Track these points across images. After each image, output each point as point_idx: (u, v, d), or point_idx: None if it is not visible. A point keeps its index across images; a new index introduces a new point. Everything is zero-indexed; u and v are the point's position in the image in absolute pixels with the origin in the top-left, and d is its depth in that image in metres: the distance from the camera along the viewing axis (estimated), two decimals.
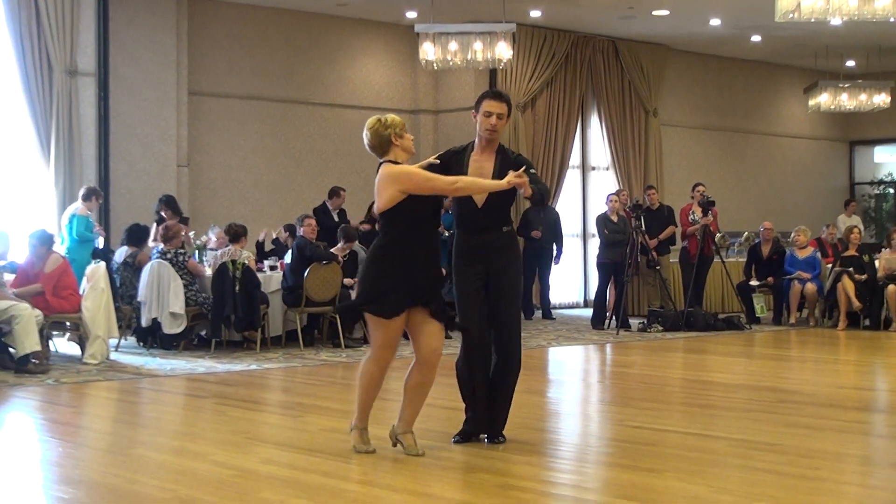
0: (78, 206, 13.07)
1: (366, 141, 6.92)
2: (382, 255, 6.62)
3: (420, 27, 15.23)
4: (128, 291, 12.73)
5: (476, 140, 7.24)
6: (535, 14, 17.43)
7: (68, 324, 11.67)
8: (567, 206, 18.85)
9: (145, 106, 15.32)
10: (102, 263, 11.91)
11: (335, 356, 12.14)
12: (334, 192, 15.51)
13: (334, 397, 9.74)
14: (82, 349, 11.52)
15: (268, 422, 8.53)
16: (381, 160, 6.80)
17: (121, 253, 13.03)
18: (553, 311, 17.14)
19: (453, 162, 7.07)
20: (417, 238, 6.59)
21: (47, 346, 11.36)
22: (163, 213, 13.77)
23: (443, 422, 8.18)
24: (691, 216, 15.98)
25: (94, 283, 11.47)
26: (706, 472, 6.22)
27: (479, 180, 6.84)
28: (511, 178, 6.60)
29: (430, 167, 6.87)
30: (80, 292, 11.49)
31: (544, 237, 16.66)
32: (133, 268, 12.78)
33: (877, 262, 15.58)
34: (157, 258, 12.38)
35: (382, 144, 6.77)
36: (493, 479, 6.09)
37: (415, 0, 16.18)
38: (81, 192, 13.26)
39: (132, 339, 12.92)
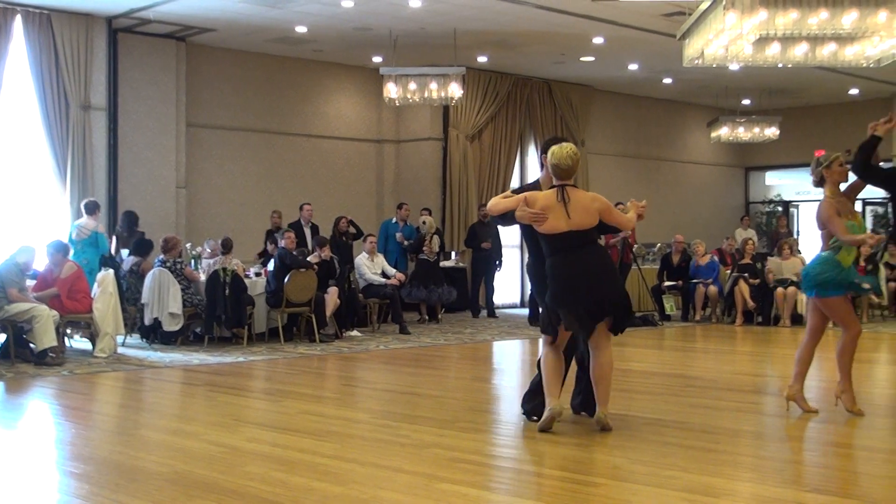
0: (84, 219, 12.86)
1: (567, 163, 6.67)
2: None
3: (384, 70, 15.23)
4: (133, 295, 12.64)
5: (544, 177, 7.03)
6: (482, 59, 17.48)
7: (81, 322, 11.55)
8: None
9: (149, 136, 15.21)
10: (111, 271, 11.83)
11: (311, 350, 12.07)
12: (300, 208, 15.48)
13: (309, 384, 9.69)
14: (93, 344, 11.40)
15: (253, 406, 8.47)
16: (570, 183, 6.73)
17: (127, 262, 12.98)
18: (496, 311, 17.16)
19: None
20: None
21: (63, 341, 11.22)
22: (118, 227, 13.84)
23: (403, 405, 8.16)
24: None
25: (104, 287, 11.42)
26: (625, 446, 6.22)
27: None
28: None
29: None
30: (92, 295, 11.41)
31: (491, 247, 16.69)
32: (138, 274, 12.70)
33: (766, 269, 15.72)
34: (159, 266, 12.32)
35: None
36: (445, 453, 6.06)
37: (380, 46, 16.18)
38: (86, 204, 13.02)
39: (136, 336, 12.80)
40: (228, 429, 7.00)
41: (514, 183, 19.21)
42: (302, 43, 16.16)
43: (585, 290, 6.55)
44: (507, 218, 6.80)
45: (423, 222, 15.96)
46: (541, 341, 6.91)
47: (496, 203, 6.77)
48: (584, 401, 7.06)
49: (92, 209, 12.96)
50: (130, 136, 15.01)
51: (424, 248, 15.71)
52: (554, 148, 6.67)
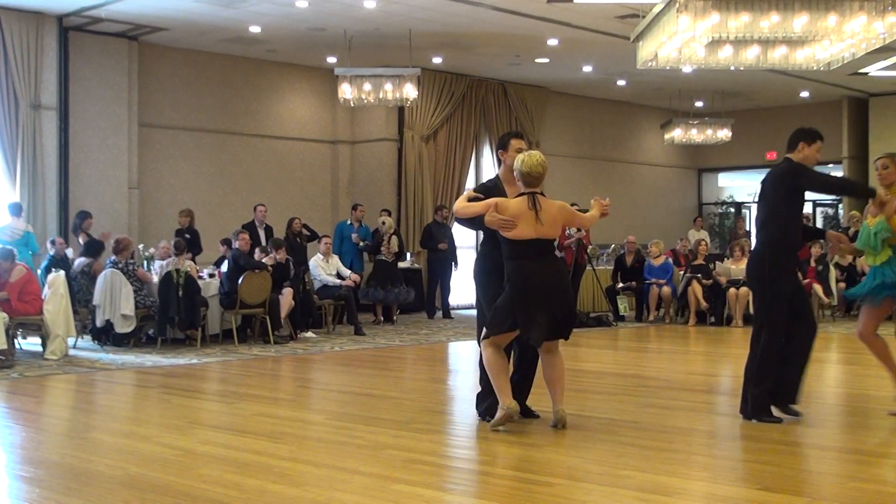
0: (13, 221, 13.03)
1: (537, 171, 6.69)
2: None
3: (339, 70, 15.20)
4: (84, 296, 12.54)
5: (503, 173, 7.05)
6: (437, 60, 17.50)
7: (31, 325, 11.43)
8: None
9: (100, 136, 15.07)
10: (62, 272, 11.73)
11: (265, 351, 12.02)
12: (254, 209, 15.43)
13: (264, 386, 9.65)
14: (44, 347, 11.27)
15: (207, 408, 8.42)
16: (539, 191, 6.75)
17: (78, 263, 12.87)
18: (452, 312, 17.19)
19: (496, 194, 6.90)
20: None
21: (13, 344, 11.08)
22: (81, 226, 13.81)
23: (358, 406, 8.15)
24: (567, 231, 16.09)
25: (55, 289, 11.32)
26: (580, 446, 6.27)
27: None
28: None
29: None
30: (43, 297, 11.29)
31: (448, 248, 16.73)
32: (89, 276, 12.61)
33: (719, 269, 15.89)
34: (110, 267, 12.21)
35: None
36: (400, 454, 6.07)
37: (334, 47, 16.15)
38: (11, 206, 13.18)
39: (88, 338, 12.68)
40: (182, 431, 6.95)
41: (470, 183, 19.24)
42: (256, 43, 16.09)
43: (548, 302, 6.62)
44: (475, 222, 6.83)
45: (383, 223, 15.97)
46: (482, 341, 6.84)
47: (464, 207, 6.80)
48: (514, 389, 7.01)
49: (17, 210, 13.11)
50: (82, 135, 14.87)
51: (382, 249, 15.71)
52: (524, 157, 6.70)
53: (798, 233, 7.18)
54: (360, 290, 15.57)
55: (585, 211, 7.45)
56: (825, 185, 7.48)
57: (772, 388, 6.98)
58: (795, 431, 6.89)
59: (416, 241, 17.93)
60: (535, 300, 6.59)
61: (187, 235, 14.22)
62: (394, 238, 15.92)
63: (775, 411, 7.03)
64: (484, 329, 6.80)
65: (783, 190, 7.06)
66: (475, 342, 7.10)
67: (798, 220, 7.17)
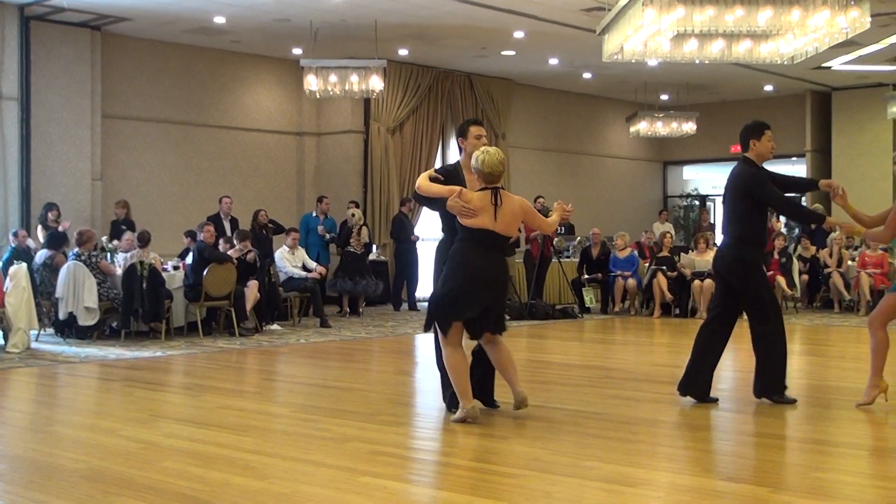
0: None
1: (498, 170, 6.70)
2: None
3: (305, 62, 15.14)
4: (47, 289, 12.43)
5: (464, 160, 7.05)
6: (403, 52, 17.46)
7: None
8: (431, 214, 18.83)
9: (63, 127, 14.92)
10: (24, 264, 11.61)
11: (230, 344, 11.98)
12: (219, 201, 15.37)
13: (229, 379, 9.61)
14: (5, 340, 11.17)
15: (170, 401, 8.37)
16: (500, 186, 6.76)
17: (41, 255, 12.75)
18: (418, 304, 17.19)
19: (454, 178, 6.92)
20: None
21: None
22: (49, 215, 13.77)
23: (324, 399, 8.13)
24: None
25: (17, 281, 11.19)
26: (545, 438, 6.29)
27: None
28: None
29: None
30: (4, 289, 11.18)
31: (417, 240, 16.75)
32: (51, 268, 12.49)
33: (683, 261, 15.99)
34: (73, 260, 12.11)
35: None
36: (365, 446, 6.06)
37: (300, 38, 16.08)
38: None
39: (51, 331, 12.57)
40: (146, 424, 6.91)
41: None
42: (221, 33, 15.98)
43: (484, 296, 6.67)
44: (434, 202, 6.85)
45: (353, 214, 15.97)
46: (439, 340, 6.86)
47: (428, 185, 6.83)
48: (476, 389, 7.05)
49: None
50: (44, 126, 14.72)
51: (352, 241, 15.71)
52: (483, 156, 6.70)
53: (763, 229, 7.54)
54: (329, 282, 15.55)
55: (550, 207, 7.52)
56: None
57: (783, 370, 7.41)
58: (758, 422, 6.95)
59: (381, 234, 17.91)
60: (475, 287, 6.64)
61: (123, 227, 14.11)
62: (364, 230, 15.93)
63: (691, 400, 7.46)
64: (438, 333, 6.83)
65: (743, 191, 7.33)
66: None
67: (762, 217, 7.41)
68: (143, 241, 12.72)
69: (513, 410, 6.88)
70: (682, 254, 16.67)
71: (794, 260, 16.42)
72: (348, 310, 15.86)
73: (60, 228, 13.29)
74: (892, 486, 5.24)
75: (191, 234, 13.90)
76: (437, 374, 7.21)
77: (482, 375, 7.10)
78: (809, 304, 17.12)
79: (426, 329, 6.88)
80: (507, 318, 7.15)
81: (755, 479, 5.26)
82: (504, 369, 6.89)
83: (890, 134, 20.95)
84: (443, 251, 7.06)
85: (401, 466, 5.70)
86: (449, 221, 6.95)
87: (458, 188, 6.73)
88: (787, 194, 7.55)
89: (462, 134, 7.11)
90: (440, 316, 6.74)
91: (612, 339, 13.45)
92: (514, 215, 6.76)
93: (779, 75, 19.87)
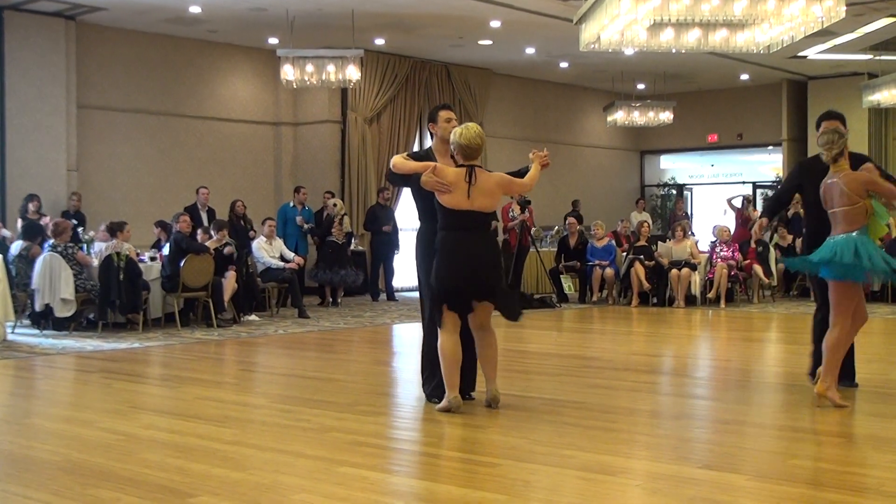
0: None
1: (476, 143, 6.72)
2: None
3: (281, 51, 15.10)
4: (23, 280, 12.34)
5: (435, 145, 7.10)
6: (380, 42, 17.43)
7: None
8: (408, 204, 18.83)
9: (38, 118, 14.82)
10: None
11: (208, 335, 11.94)
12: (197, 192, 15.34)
13: (207, 370, 9.59)
14: None
15: (149, 392, 8.35)
16: (477, 164, 6.78)
17: (16, 246, 12.67)
18: (396, 294, 17.18)
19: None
20: None
21: None
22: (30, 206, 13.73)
23: (303, 389, 8.13)
24: (511, 213, 16.18)
25: None
26: (523, 427, 6.31)
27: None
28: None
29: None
30: None
31: (391, 231, 16.72)
32: (27, 259, 12.41)
33: (660, 250, 16.05)
34: (49, 251, 12.04)
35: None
36: (345, 437, 6.07)
37: (276, 28, 16.02)
38: None
39: (27, 323, 12.50)
40: (124, 416, 6.89)
41: None
42: (196, 23, 15.90)
43: (468, 269, 6.65)
44: (409, 180, 6.85)
45: (334, 205, 15.97)
46: (436, 328, 6.87)
47: (403, 163, 6.85)
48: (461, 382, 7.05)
49: None
50: (18, 117, 14.62)
51: (334, 231, 15.70)
52: (461, 130, 6.71)
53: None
54: (310, 272, 15.53)
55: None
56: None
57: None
58: (736, 410, 7.00)
59: (359, 224, 17.89)
60: (459, 267, 6.64)
61: (74, 221, 14.02)
62: (346, 219, 15.94)
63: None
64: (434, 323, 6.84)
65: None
66: (419, 324, 7.11)
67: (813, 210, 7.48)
68: (113, 231, 12.63)
69: (483, 405, 6.89)
70: (659, 243, 16.74)
71: (772, 249, 16.51)
72: (332, 299, 15.86)
73: (42, 223, 13.19)
74: (867, 473, 5.29)
75: (161, 224, 13.83)
76: (418, 364, 7.21)
77: (463, 369, 7.06)
78: (786, 292, 17.23)
79: (439, 325, 6.78)
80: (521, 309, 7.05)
81: (732, 467, 5.30)
82: (487, 362, 6.87)
83: (866, 123, 21.08)
84: (423, 240, 7.07)
85: (380, 456, 5.71)
86: (423, 203, 6.96)
87: (432, 164, 6.75)
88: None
89: (432, 119, 7.14)
90: (436, 308, 6.74)
91: (589, 329, 13.49)
92: (490, 192, 6.76)
93: (755, 64, 19.95)
